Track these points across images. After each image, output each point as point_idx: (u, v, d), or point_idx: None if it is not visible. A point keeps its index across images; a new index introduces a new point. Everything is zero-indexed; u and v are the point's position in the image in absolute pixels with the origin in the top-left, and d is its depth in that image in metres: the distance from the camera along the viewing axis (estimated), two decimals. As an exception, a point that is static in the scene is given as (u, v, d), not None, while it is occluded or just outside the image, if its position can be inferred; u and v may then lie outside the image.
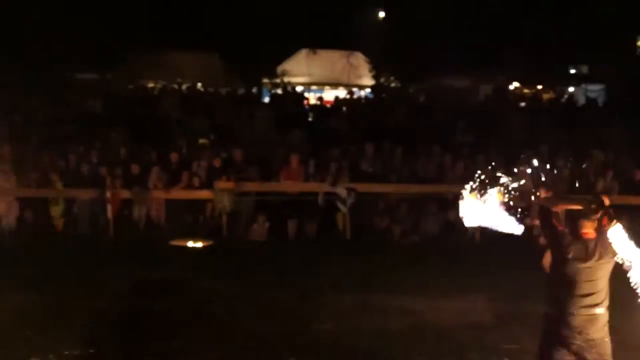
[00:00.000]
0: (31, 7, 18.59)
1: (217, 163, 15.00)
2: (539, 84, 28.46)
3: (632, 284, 5.48)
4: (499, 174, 6.12)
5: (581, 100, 24.49)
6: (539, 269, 6.13)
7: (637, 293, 5.46)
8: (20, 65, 19.95)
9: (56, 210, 14.56)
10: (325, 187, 14.61)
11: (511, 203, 6.08)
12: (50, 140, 15.57)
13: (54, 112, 17.79)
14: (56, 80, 20.09)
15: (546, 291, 5.88)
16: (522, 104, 23.52)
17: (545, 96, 26.13)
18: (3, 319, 8.75)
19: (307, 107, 22.09)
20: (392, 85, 26.24)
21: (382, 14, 29.44)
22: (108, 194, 14.30)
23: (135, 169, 14.73)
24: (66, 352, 7.84)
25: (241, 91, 24.19)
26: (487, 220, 6.16)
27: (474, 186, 6.12)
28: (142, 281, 10.86)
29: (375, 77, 26.39)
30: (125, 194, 14.49)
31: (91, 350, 8.01)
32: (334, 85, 27.38)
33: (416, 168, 15.45)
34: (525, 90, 28.12)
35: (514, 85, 28.18)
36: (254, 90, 24.85)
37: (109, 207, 14.37)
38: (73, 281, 10.62)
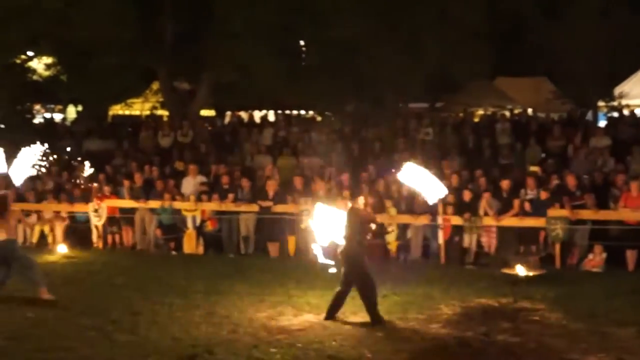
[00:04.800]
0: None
1: (549, 190, 14.62)
2: None
3: None
4: None
5: None
6: None
7: None
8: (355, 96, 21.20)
9: (390, 235, 15.15)
10: (670, 216, 13.65)
11: None
12: (385, 168, 16.20)
13: (388, 142, 18.60)
14: (391, 110, 20.96)
15: None
16: None
17: None
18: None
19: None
20: None
21: None
22: (440, 221, 14.61)
23: (467, 195, 14.87)
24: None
25: (574, 115, 23.38)
26: None
27: None
28: (474, 308, 10.89)
29: None
30: (456, 220, 14.68)
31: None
32: (680, 105, 25.33)
33: None
34: None
35: None
36: (588, 114, 23.84)
37: (441, 234, 14.68)
38: (403, 306, 10.92)
